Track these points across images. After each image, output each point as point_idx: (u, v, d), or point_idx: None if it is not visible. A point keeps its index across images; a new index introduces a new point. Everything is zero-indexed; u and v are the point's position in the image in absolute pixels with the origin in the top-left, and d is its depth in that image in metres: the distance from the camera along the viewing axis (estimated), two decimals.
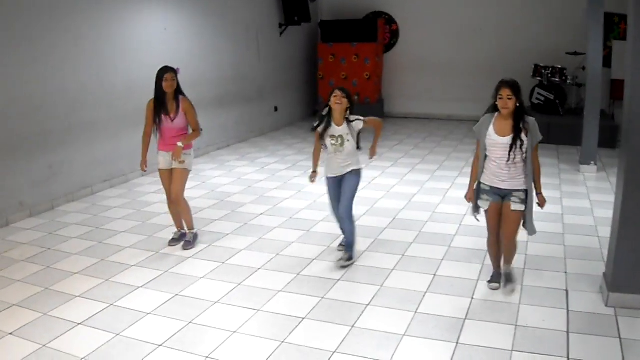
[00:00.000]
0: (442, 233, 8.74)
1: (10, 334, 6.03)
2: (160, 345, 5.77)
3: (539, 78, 16.52)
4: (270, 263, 7.80)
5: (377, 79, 19.65)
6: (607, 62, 14.98)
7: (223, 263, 7.81)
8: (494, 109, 6.47)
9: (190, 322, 6.21)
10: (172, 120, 8.02)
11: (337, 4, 20.39)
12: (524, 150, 6.32)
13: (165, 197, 8.59)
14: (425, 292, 6.83)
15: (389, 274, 7.39)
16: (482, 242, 8.04)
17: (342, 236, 7.99)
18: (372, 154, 8.31)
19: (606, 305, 6.39)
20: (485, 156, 6.55)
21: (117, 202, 10.51)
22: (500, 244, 6.80)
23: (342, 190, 7.64)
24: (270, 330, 6.07)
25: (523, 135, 6.31)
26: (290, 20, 18.02)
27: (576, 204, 10.17)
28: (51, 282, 7.23)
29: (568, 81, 16.30)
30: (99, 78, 11.04)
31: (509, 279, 6.86)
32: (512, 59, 18.03)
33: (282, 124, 18.21)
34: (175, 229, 8.67)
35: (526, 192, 6.44)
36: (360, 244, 8.30)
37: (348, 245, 7.76)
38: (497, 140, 6.35)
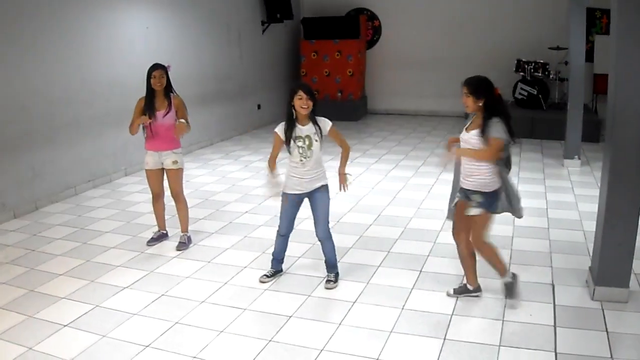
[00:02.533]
0: (427, 229, 8.75)
1: None
2: (147, 346, 5.74)
3: (521, 73, 16.59)
4: (255, 261, 7.79)
5: (360, 76, 19.67)
6: (589, 56, 15.07)
7: (209, 262, 7.80)
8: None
9: (176, 323, 6.19)
10: (163, 117, 8.01)
11: (319, 1, 20.39)
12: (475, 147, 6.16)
13: (149, 196, 8.56)
14: (412, 289, 6.84)
15: (375, 270, 7.40)
16: None
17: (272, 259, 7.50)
18: (342, 180, 7.40)
19: (592, 299, 6.42)
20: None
21: (101, 202, 10.46)
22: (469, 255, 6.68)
23: (315, 210, 7.03)
24: (257, 328, 6.07)
25: (475, 132, 6.15)
26: (273, 17, 17.99)
27: (561, 198, 10.21)
28: (36, 284, 7.19)
29: (551, 76, 16.38)
30: (82, 78, 10.98)
31: (461, 291, 6.73)
32: (494, 54, 18.10)
33: (265, 122, 18.16)
34: (155, 229, 8.67)
35: (486, 195, 6.20)
36: (345, 241, 8.34)
37: (331, 265, 7.20)
38: (463, 136, 6.28)
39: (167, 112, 8.02)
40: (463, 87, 6.12)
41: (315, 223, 7.05)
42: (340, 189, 7.36)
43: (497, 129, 6.01)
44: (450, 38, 19.04)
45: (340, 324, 6.09)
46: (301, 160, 6.77)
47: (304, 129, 6.75)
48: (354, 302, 6.55)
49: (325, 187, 7.06)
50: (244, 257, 7.93)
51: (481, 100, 6.05)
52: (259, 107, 18.12)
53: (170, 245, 8.41)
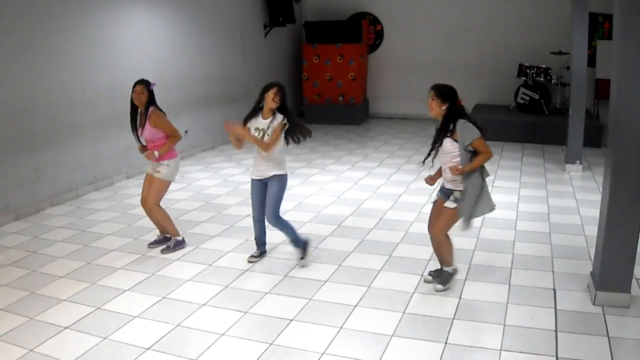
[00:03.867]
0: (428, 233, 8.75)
1: None
2: (147, 349, 5.74)
3: (523, 78, 16.61)
4: (257, 265, 7.78)
5: (362, 80, 19.68)
6: (591, 61, 15.04)
7: (210, 265, 7.79)
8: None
9: (177, 325, 6.19)
10: (141, 133, 8.07)
11: (322, 4, 20.41)
12: (451, 154, 6.47)
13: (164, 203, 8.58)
14: (413, 293, 6.83)
15: (376, 274, 7.38)
16: (468, 243, 8.11)
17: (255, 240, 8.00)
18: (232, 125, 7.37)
19: (594, 304, 6.41)
20: None
21: (102, 205, 10.46)
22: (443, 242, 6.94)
23: (267, 198, 7.53)
24: (258, 332, 6.04)
25: (447, 140, 6.45)
26: (275, 21, 18.01)
27: (562, 203, 10.20)
28: (37, 286, 7.18)
29: (553, 81, 16.39)
30: (84, 80, 10.98)
31: (443, 280, 6.93)
32: (496, 59, 18.14)
33: None
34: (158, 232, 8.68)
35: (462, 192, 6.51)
36: (346, 245, 8.36)
37: (295, 243, 7.74)
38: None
39: (143, 129, 8.03)
40: (430, 90, 6.50)
41: (266, 209, 7.54)
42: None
43: (469, 129, 6.33)
44: (452, 43, 19.05)
45: (341, 327, 6.08)
46: (258, 150, 7.41)
47: (263, 122, 7.36)
48: (355, 306, 6.53)
49: (278, 177, 7.51)
50: (245, 261, 7.90)
51: (445, 104, 6.39)
52: None
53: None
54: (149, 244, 8.49)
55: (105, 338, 5.95)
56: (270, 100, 7.21)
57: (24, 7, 9.67)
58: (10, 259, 8.12)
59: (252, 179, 7.64)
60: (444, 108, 6.38)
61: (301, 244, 7.75)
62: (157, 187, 8.22)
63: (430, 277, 7.09)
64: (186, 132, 14.26)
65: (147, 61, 12.62)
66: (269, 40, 18.48)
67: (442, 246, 6.83)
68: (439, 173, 6.87)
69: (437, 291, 6.79)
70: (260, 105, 7.38)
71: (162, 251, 8.29)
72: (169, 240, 8.45)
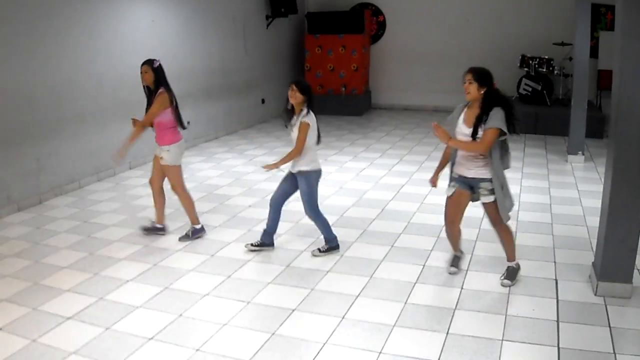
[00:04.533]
0: (430, 224, 8.75)
1: (0, 329, 6.00)
2: (150, 339, 5.76)
3: (526, 69, 16.60)
4: (259, 255, 7.79)
5: (364, 71, 19.65)
6: (594, 52, 15.03)
7: (212, 255, 7.81)
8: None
9: (180, 315, 6.21)
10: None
11: None
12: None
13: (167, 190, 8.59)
14: (415, 283, 6.84)
15: (378, 264, 7.40)
16: (471, 233, 8.12)
17: (264, 227, 8.00)
18: (274, 166, 7.53)
19: (595, 294, 6.42)
20: None
21: (105, 196, 10.47)
22: (458, 231, 7.02)
23: (300, 195, 7.66)
24: (260, 322, 6.06)
25: (483, 127, 6.26)
26: (277, 12, 17.97)
27: (564, 193, 10.20)
28: (40, 277, 7.20)
29: (555, 71, 16.39)
30: (87, 70, 10.98)
31: (510, 276, 6.83)
32: (499, 49, 18.08)
33: (269, 116, 18.18)
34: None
35: (491, 180, 6.43)
36: (349, 235, 8.36)
37: (327, 239, 7.84)
38: (462, 130, 6.40)
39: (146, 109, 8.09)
40: (467, 74, 6.32)
41: (281, 194, 7.80)
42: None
43: (497, 118, 6.16)
44: (454, 33, 19.01)
45: (343, 317, 6.10)
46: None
47: (294, 119, 7.44)
48: (357, 296, 6.55)
49: (301, 173, 7.50)
50: (248, 251, 7.91)
51: (483, 88, 6.23)
52: (263, 101, 18.12)
53: (173, 238, 8.42)
54: (142, 228, 8.62)
55: (107, 328, 5.97)
56: (289, 97, 7.34)
57: (26, 0, 9.69)
58: (13, 249, 8.14)
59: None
60: (482, 92, 6.24)
61: (331, 242, 7.82)
62: (171, 176, 8.31)
63: (454, 269, 7.09)
64: (188, 123, 14.24)
65: (150, 52, 12.56)
66: (271, 31, 18.46)
67: (505, 240, 6.79)
68: (441, 166, 6.86)
69: (505, 286, 6.71)
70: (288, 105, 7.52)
71: (180, 239, 8.38)
72: (160, 230, 8.52)
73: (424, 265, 7.27)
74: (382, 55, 20.34)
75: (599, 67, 16.25)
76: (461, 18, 18.82)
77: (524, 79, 16.58)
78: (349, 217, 9.18)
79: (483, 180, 6.42)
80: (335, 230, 7.94)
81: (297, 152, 7.32)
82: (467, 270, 7.11)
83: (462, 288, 6.68)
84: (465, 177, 6.51)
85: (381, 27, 20.30)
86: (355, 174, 11.74)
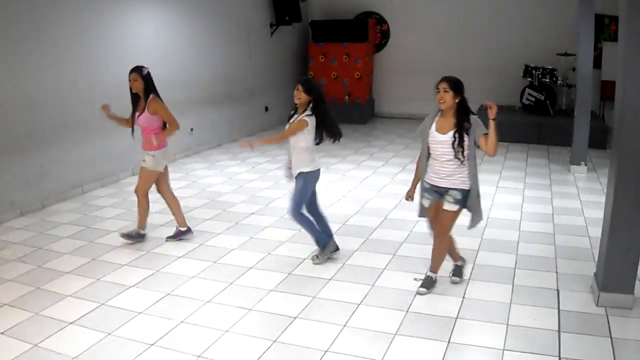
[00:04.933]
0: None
1: (2, 333, 6.00)
2: (152, 345, 5.76)
3: (529, 79, 16.60)
4: (261, 262, 7.80)
5: (368, 79, 19.69)
6: (597, 63, 15.07)
7: (214, 262, 7.81)
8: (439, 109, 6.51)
9: (182, 322, 6.21)
10: (137, 117, 8.20)
11: (328, 3, 20.41)
12: (465, 148, 6.31)
13: (157, 196, 8.61)
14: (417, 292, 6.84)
15: (380, 273, 7.40)
16: (473, 242, 8.14)
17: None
18: (248, 143, 7.52)
19: (597, 305, 6.41)
20: (429, 155, 6.63)
21: (107, 202, 10.49)
22: (451, 240, 7.00)
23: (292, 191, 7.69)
24: (262, 329, 6.07)
25: (465, 134, 6.31)
26: (281, 20, 18.02)
27: (567, 204, 10.21)
28: (42, 282, 7.22)
29: (558, 82, 16.39)
30: (90, 77, 11.01)
31: (427, 284, 6.90)
32: (502, 59, 18.13)
33: (273, 124, 18.16)
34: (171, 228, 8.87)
35: (464, 192, 6.47)
36: (351, 244, 8.38)
37: (317, 242, 7.80)
38: (437, 138, 6.43)
39: (140, 114, 8.15)
40: (442, 83, 6.37)
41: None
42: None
43: (481, 124, 6.32)
44: (458, 43, 19.03)
45: (345, 325, 6.10)
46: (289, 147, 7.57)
47: (295, 117, 7.47)
48: (359, 304, 6.55)
49: (302, 175, 7.47)
50: (249, 258, 7.93)
51: (458, 97, 6.32)
52: (266, 109, 18.14)
53: (176, 245, 8.44)
54: (122, 234, 8.66)
55: (109, 334, 5.98)
56: (294, 97, 7.40)
57: (32, 5, 9.70)
58: (16, 254, 8.16)
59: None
60: (456, 101, 6.31)
61: (321, 244, 7.79)
62: (143, 178, 8.39)
63: (457, 278, 7.11)
64: (192, 130, 14.29)
65: (154, 60, 12.62)
66: (275, 39, 18.49)
67: (445, 246, 6.85)
68: (417, 179, 6.91)
69: (420, 294, 6.77)
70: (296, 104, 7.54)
71: (167, 238, 8.55)
72: (141, 237, 8.58)
73: (426, 274, 7.27)
74: (385, 63, 20.37)
75: (602, 78, 16.27)
76: (465, 28, 18.84)
77: (527, 89, 16.58)
78: (352, 225, 9.19)
79: (453, 189, 6.47)
80: (337, 239, 7.96)
81: (280, 139, 7.63)
82: (468, 280, 7.11)
83: (463, 297, 6.68)
84: (438, 187, 6.56)
85: (385, 35, 20.35)
86: (358, 182, 11.76)
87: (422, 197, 6.80)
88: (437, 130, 6.43)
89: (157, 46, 12.96)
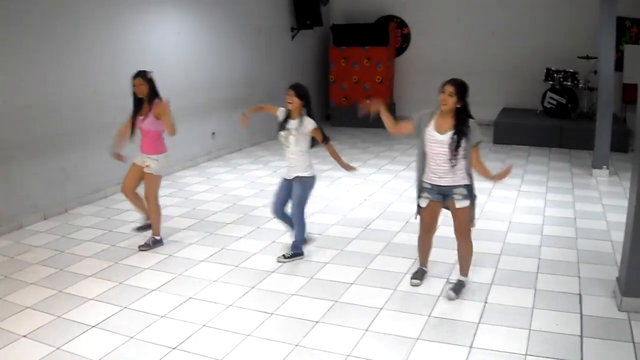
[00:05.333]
0: (454, 237, 8.73)
1: (24, 336, 6.04)
2: (174, 348, 5.78)
3: (550, 82, 16.52)
4: (283, 266, 7.81)
5: (389, 83, 19.64)
6: (619, 66, 14.97)
7: (237, 266, 7.83)
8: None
9: (203, 325, 6.23)
10: (142, 121, 8.29)
11: (349, 7, 20.40)
12: (460, 151, 6.38)
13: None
14: (439, 296, 6.83)
15: (402, 277, 7.38)
16: (495, 247, 8.12)
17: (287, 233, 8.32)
18: (347, 168, 8.27)
19: (619, 310, 6.37)
20: (424, 154, 6.64)
21: (129, 205, 10.41)
22: (429, 243, 7.15)
23: (292, 197, 7.86)
24: (283, 333, 6.07)
25: (462, 137, 6.37)
26: (302, 24, 18.05)
27: (589, 208, 10.16)
28: (65, 285, 7.26)
29: (580, 85, 16.30)
30: (113, 82, 11.04)
31: (457, 288, 6.89)
32: (524, 62, 18.08)
33: None
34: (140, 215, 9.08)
35: (468, 187, 6.55)
36: (373, 248, 8.39)
37: (293, 244, 8.07)
38: (435, 137, 6.44)
39: (145, 118, 8.23)
40: (448, 85, 6.48)
41: (281, 202, 8.00)
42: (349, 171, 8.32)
43: (477, 128, 6.43)
44: (479, 46, 18.99)
45: (366, 330, 6.09)
46: (283, 149, 7.87)
47: (291, 123, 7.75)
48: (381, 309, 6.55)
49: (300, 179, 7.77)
50: (271, 262, 7.94)
51: (460, 103, 6.41)
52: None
53: (198, 249, 8.48)
54: (137, 228, 8.88)
55: (131, 337, 6.00)
56: (287, 103, 7.68)
57: (56, 10, 9.79)
58: (39, 257, 8.21)
59: (282, 177, 8.00)
60: (458, 106, 6.40)
61: (297, 249, 8.03)
62: (151, 182, 8.44)
63: (417, 281, 7.16)
64: (213, 134, 14.32)
65: (175, 64, 12.69)
66: (296, 43, 18.52)
67: (468, 251, 6.89)
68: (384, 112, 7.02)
69: (450, 298, 6.76)
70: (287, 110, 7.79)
71: (140, 247, 8.49)
72: (159, 242, 8.62)
73: (447, 279, 7.26)
74: (406, 67, 20.34)
75: (624, 81, 16.17)
76: (486, 31, 18.79)
77: (548, 92, 16.52)
78: (373, 229, 9.18)
79: (457, 186, 6.51)
80: (359, 242, 7.98)
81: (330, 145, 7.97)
82: (490, 284, 7.08)
83: (485, 302, 6.66)
84: (439, 186, 6.56)
85: (406, 39, 20.31)
86: (380, 186, 11.75)
87: (419, 197, 6.80)
88: (436, 129, 6.47)
89: (179, 50, 13.01)
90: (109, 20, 10.96)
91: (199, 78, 13.63)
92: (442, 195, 6.59)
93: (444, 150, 6.39)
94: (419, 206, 6.87)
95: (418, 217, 6.99)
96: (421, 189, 6.75)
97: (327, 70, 19.73)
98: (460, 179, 6.48)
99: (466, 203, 6.55)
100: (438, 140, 6.41)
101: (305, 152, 7.71)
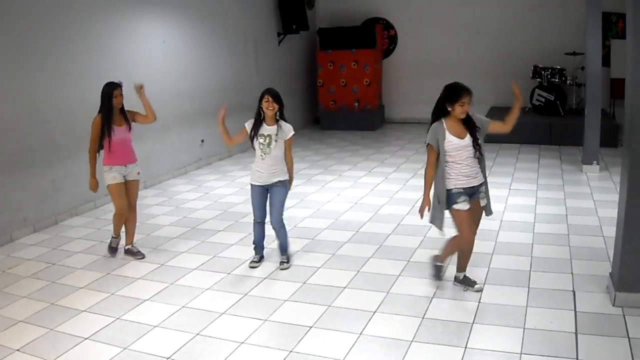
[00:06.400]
0: (446, 238, 8.71)
1: (18, 350, 6.01)
2: (168, 358, 5.76)
3: (538, 79, 16.54)
4: (275, 272, 7.80)
5: (377, 85, 19.66)
6: (606, 61, 15.03)
7: (228, 274, 7.81)
8: (438, 116, 6.65)
9: (197, 334, 6.20)
10: (127, 132, 8.24)
11: (335, 11, 20.41)
12: (481, 145, 6.55)
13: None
14: (432, 298, 6.82)
15: (395, 280, 7.37)
16: (487, 246, 8.12)
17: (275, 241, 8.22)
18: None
19: (613, 305, 6.37)
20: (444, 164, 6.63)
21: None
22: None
23: (271, 202, 7.82)
24: (277, 339, 6.05)
25: (476, 133, 6.52)
26: (288, 28, 18.06)
27: (580, 204, 10.17)
28: (57, 298, 7.23)
29: (568, 81, 16.33)
30: (99, 91, 10.99)
31: (469, 282, 6.98)
32: (511, 60, 18.11)
33: None
34: (122, 242, 8.78)
35: (485, 183, 6.72)
36: (365, 251, 8.38)
37: (283, 249, 8.07)
38: (460, 143, 6.48)
39: (125, 127, 8.24)
40: (468, 96, 6.44)
41: (270, 213, 7.87)
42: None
43: (478, 114, 6.74)
44: (466, 45, 19.02)
45: (360, 333, 6.08)
46: (261, 156, 7.67)
47: (268, 129, 7.69)
48: (375, 312, 6.53)
49: (282, 183, 7.78)
50: (263, 269, 7.93)
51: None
52: None
53: (191, 258, 8.46)
54: (135, 255, 8.59)
55: (125, 348, 5.98)
56: (266, 109, 7.65)
57: (41, 21, 9.76)
58: (30, 270, 8.18)
59: (253, 185, 7.86)
60: None
61: (286, 253, 8.07)
62: (137, 190, 8.52)
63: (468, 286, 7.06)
64: (202, 141, 14.30)
65: (162, 72, 12.67)
66: (283, 48, 18.53)
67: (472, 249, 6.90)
68: (429, 188, 6.79)
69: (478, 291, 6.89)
70: (261, 113, 7.76)
71: (137, 258, 8.46)
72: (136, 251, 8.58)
73: (463, 275, 7.24)
74: (394, 69, 20.36)
75: (611, 76, 16.21)
76: (473, 30, 18.84)
77: (536, 89, 16.54)
78: (365, 233, 9.17)
79: (481, 184, 6.65)
80: (350, 246, 8.00)
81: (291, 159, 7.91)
82: (484, 284, 7.07)
83: (479, 302, 6.65)
84: (472, 187, 6.56)
85: (393, 41, 20.33)
86: (370, 189, 11.74)
87: (457, 202, 6.56)
88: (455, 136, 6.49)
89: (165, 58, 12.99)
90: (94, 30, 10.93)
91: (186, 85, 13.61)
92: (469, 196, 6.59)
93: (471, 151, 6.49)
94: (440, 220, 6.74)
95: (443, 229, 6.85)
96: (452, 197, 6.59)
97: (315, 74, 19.74)
98: (482, 176, 6.64)
99: (485, 201, 6.70)
100: (463, 145, 6.48)
101: (282, 155, 7.71)
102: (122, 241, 8.68)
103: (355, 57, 18.95)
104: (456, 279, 7.06)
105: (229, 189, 12.23)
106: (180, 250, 8.73)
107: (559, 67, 16.43)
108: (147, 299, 7.11)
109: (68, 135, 10.37)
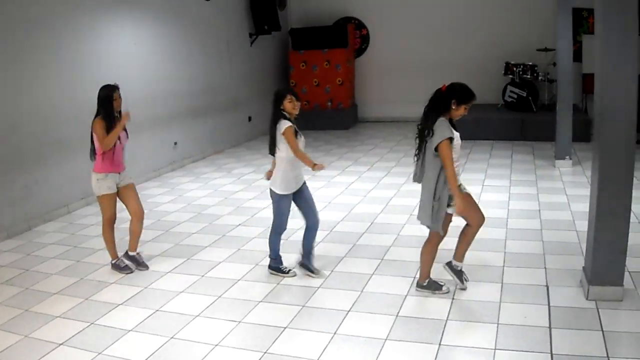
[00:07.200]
0: (420, 235, 8.63)
1: None
2: None
3: (510, 76, 16.66)
4: (249, 274, 7.78)
5: (350, 84, 19.73)
6: (577, 56, 15.15)
7: (202, 276, 7.78)
8: (438, 111, 6.47)
9: (171, 337, 6.18)
10: (127, 137, 8.08)
11: (307, 11, 20.44)
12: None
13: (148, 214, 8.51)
14: (406, 295, 6.83)
15: (368, 278, 7.38)
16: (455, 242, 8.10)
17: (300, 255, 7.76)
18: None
19: (587, 299, 6.41)
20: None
21: (94, 220, 10.42)
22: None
23: (307, 200, 7.47)
24: (252, 341, 6.04)
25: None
26: (260, 29, 18.06)
27: (553, 199, 10.23)
28: (31, 304, 7.18)
29: (540, 77, 16.45)
30: (70, 95, 10.95)
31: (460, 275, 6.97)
32: (483, 57, 18.23)
33: (257, 133, 18.18)
34: (111, 258, 8.27)
35: None
36: (338, 250, 8.40)
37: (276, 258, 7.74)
38: (459, 142, 6.50)
39: (126, 132, 8.04)
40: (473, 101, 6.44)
41: (309, 213, 7.50)
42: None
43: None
44: (438, 43, 19.11)
45: (335, 333, 6.08)
46: (293, 160, 7.16)
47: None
48: (349, 311, 6.53)
49: (305, 181, 7.49)
50: (237, 270, 7.91)
51: None
52: (249, 119, 18.13)
53: (164, 261, 8.41)
54: (123, 270, 8.15)
55: (100, 353, 5.94)
56: (291, 109, 7.15)
57: (10, 26, 9.68)
58: (3, 277, 8.12)
59: (287, 194, 7.31)
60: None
61: (278, 258, 7.79)
62: (136, 190, 8.37)
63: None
64: (175, 143, 14.27)
65: (133, 74, 12.61)
66: (255, 49, 18.52)
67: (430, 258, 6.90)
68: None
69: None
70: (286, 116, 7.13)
71: (142, 268, 8.17)
72: (137, 258, 8.28)
73: (414, 278, 7.24)
74: (367, 68, 20.43)
75: (583, 71, 16.35)
76: (444, 28, 18.94)
77: (509, 86, 16.65)
78: (338, 232, 9.17)
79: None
80: (323, 246, 8.00)
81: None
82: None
83: (452, 299, 6.67)
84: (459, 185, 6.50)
85: (365, 40, 20.40)
86: (343, 188, 11.75)
87: (450, 205, 6.48)
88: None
89: (136, 61, 12.94)
90: (64, 34, 10.85)
91: (158, 88, 13.56)
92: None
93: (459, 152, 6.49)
94: (438, 219, 6.53)
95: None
96: (450, 199, 6.43)
97: (288, 75, 19.79)
98: None
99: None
100: (460, 144, 6.50)
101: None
102: (122, 242, 8.58)
103: (327, 57, 19.01)
104: (452, 267, 6.98)
105: (203, 191, 12.19)
106: (153, 253, 8.68)
107: (530, 63, 16.56)
108: (121, 303, 7.07)
109: (39, 141, 10.31)
